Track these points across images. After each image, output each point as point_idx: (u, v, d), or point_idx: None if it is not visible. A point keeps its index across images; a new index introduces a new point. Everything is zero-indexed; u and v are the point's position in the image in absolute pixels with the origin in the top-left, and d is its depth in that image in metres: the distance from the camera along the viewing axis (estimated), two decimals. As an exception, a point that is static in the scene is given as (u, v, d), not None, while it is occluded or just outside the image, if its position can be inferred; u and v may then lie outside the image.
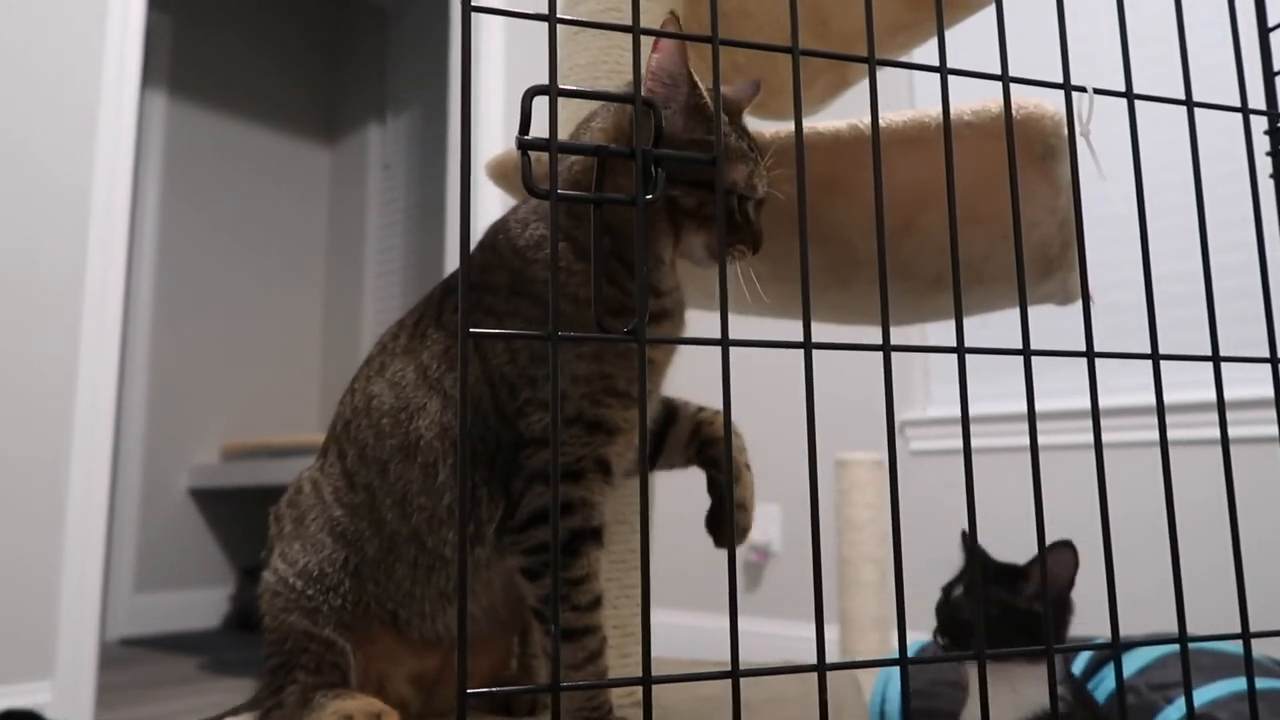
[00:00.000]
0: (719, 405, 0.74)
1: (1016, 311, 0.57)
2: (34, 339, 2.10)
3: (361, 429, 0.85)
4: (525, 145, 0.47)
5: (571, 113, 1.04)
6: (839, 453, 1.93)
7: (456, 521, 0.78)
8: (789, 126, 0.81)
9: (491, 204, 2.83)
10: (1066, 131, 0.61)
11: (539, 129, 0.48)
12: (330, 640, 0.81)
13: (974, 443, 2.24)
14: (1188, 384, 1.81)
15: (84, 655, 2.09)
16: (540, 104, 0.48)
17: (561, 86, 0.48)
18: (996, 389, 2.34)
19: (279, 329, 4.26)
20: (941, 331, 2.40)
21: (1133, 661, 1.15)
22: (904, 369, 2.55)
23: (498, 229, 0.87)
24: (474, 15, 0.44)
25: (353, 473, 0.86)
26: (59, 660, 2.05)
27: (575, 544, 0.77)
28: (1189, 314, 1.85)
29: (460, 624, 0.43)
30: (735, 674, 0.47)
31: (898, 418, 2.52)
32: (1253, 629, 0.57)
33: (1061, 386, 2.20)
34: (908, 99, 2.64)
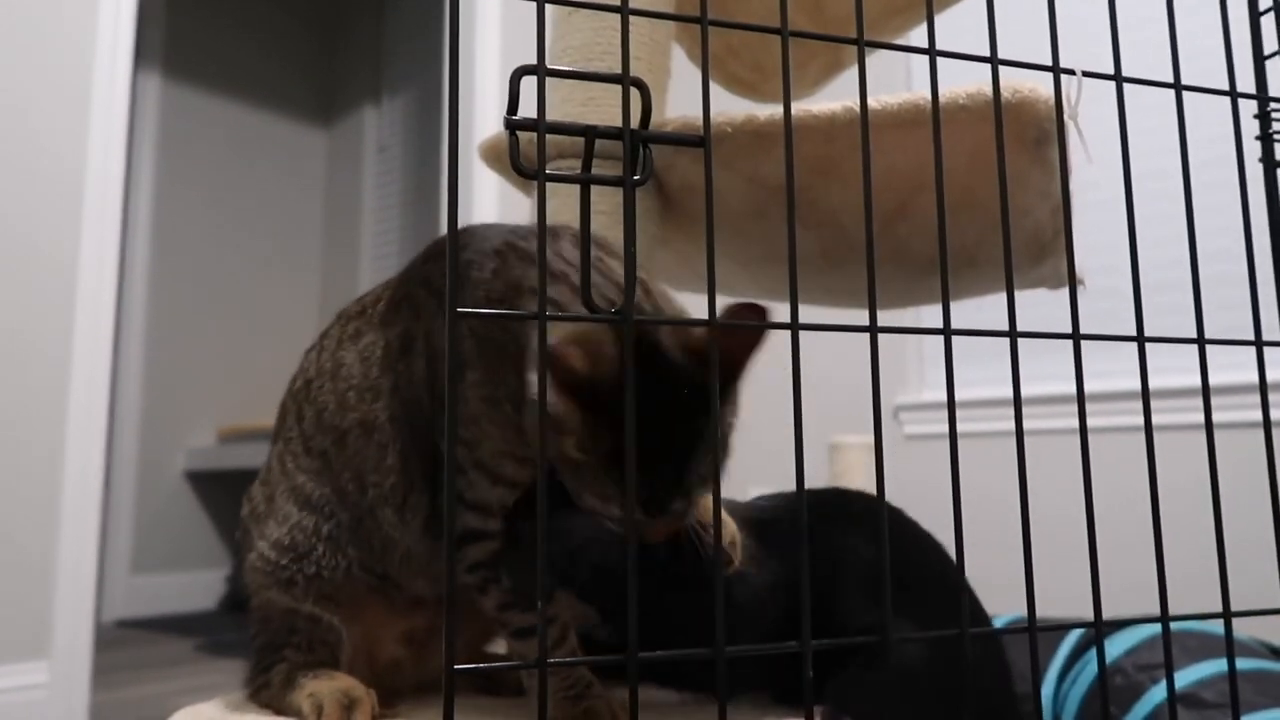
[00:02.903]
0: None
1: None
2: (28, 320, 2.09)
3: (324, 391, 0.83)
4: (513, 126, 0.47)
5: (565, 94, 1.03)
6: (833, 436, 1.94)
7: (436, 510, 0.78)
8: (781, 109, 0.81)
9: (488, 187, 2.82)
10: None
11: (528, 110, 0.48)
12: (315, 615, 0.81)
13: (966, 427, 2.26)
14: (1175, 369, 1.82)
15: (80, 636, 2.10)
16: (530, 84, 0.48)
17: (551, 67, 0.48)
18: (989, 373, 2.34)
19: (275, 311, 4.26)
20: (935, 315, 2.40)
21: (1120, 643, 1.16)
22: (898, 353, 2.55)
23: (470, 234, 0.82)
24: (462, -5, 0.44)
25: (308, 436, 0.84)
26: (55, 641, 2.06)
27: (498, 563, 0.75)
28: (1182, 300, 1.86)
29: (448, 609, 0.44)
30: (719, 653, 0.47)
31: (892, 401, 2.53)
32: (1235, 609, 0.57)
33: (1052, 371, 2.20)
34: (904, 83, 2.63)
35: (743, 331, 0.60)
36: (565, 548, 0.79)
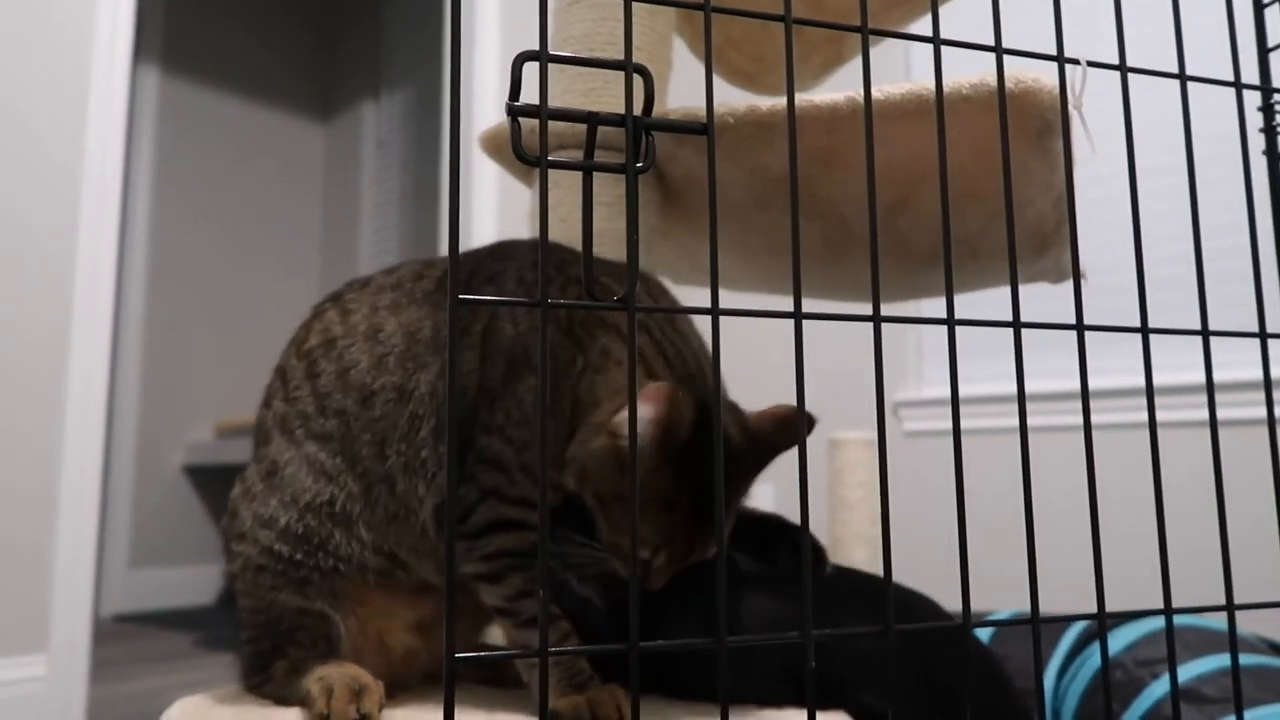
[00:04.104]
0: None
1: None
2: (26, 315, 2.09)
3: (353, 350, 0.81)
4: (515, 112, 0.47)
5: (566, 85, 1.03)
6: (833, 432, 1.93)
7: (445, 494, 0.77)
8: (784, 100, 0.81)
9: (487, 182, 2.81)
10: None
11: (530, 96, 0.47)
12: (324, 613, 0.79)
13: (967, 424, 2.25)
14: (1178, 366, 1.82)
15: (78, 630, 2.09)
16: (532, 71, 0.47)
17: (552, 53, 0.47)
18: (990, 370, 2.34)
19: (273, 306, 4.25)
20: (936, 308, 2.40)
21: (1120, 639, 1.15)
22: (898, 349, 2.55)
23: (524, 255, 0.83)
24: (463, -21, 0.44)
25: (325, 394, 0.81)
26: (53, 635, 2.06)
27: (532, 552, 0.75)
28: (1183, 298, 1.85)
29: (448, 595, 0.43)
30: (720, 644, 0.47)
31: (892, 398, 2.53)
32: (1238, 603, 0.57)
33: (1054, 368, 2.20)
34: (904, 74, 2.63)
35: (787, 429, 0.73)
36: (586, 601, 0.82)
